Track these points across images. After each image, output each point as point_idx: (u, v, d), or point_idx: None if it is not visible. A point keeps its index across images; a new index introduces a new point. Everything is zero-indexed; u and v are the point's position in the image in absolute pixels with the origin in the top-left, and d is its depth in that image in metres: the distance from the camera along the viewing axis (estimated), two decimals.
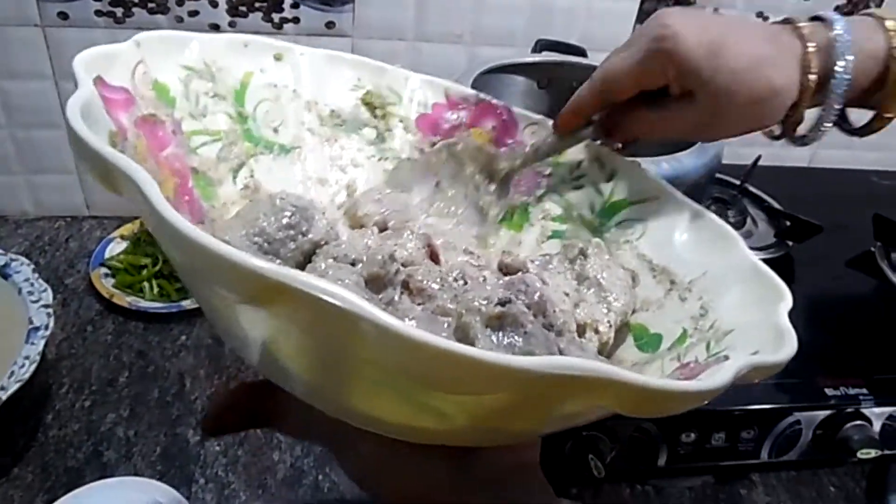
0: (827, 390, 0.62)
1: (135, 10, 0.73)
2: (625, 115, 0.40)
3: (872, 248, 0.79)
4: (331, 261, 0.32)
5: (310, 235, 0.34)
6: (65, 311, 0.73)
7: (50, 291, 0.65)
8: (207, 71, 0.38)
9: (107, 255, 0.78)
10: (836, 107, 0.36)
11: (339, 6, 0.77)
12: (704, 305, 0.35)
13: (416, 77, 0.45)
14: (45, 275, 0.75)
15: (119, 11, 0.73)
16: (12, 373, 0.57)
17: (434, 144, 0.45)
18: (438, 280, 0.34)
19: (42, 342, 0.60)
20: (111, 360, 0.69)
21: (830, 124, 0.38)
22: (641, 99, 0.39)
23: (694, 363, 0.31)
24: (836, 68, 0.35)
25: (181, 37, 0.37)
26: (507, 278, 0.35)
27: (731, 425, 0.60)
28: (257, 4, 0.75)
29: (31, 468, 0.58)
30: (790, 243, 0.78)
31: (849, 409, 0.61)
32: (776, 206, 0.84)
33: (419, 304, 0.33)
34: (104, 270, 0.76)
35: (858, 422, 0.61)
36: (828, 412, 0.61)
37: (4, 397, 0.55)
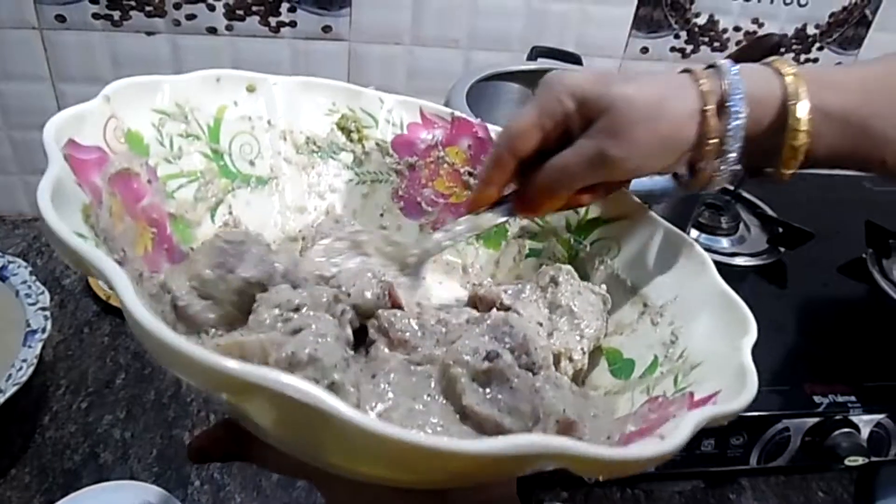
0: (816, 398, 0.62)
1: (132, 13, 0.73)
2: (535, 177, 0.38)
3: (864, 255, 0.79)
4: (275, 311, 0.31)
5: (238, 272, 0.32)
6: (62, 313, 0.74)
7: (47, 294, 0.65)
8: (180, 112, 0.38)
9: None
10: (734, 147, 0.35)
11: (336, 10, 0.77)
12: (675, 332, 0.36)
13: (391, 98, 0.46)
14: (43, 276, 0.75)
15: (116, 15, 0.73)
16: (9, 375, 0.58)
17: (412, 165, 0.46)
18: (417, 326, 0.34)
19: (39, 345, 0.60)
20: (108, 361, 0.69)
21: (728, 168, 0.36)
22: (546, 157, 0.38)
23: (662, 398, 0.32)
24: (729, 103, 0.35)
25: (152, 81, 0.37)
26: (490, 320, 0.34)
27: (720, 432, 0.60)
28: (254, 8, 0.75)
29: (28, 469, 0.59)
30: (782, 249, 0.79)
31: (837, 417, 0.62)
32: (769, 212, 0.84)
33: (403, 355, 0.33)
34: None
35: (846, 429, 0.61)
36: (816, 419, 0.62)
37: (2, 400, 0.55)
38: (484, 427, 0.30)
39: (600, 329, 0.38)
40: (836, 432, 0.61)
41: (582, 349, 0.37)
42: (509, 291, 0.39)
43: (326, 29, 0.78)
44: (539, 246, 0.45)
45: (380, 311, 0.35)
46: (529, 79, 0.67)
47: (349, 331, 0.33)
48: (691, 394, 0.30)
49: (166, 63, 0.76)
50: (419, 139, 0.46)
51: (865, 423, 0.63)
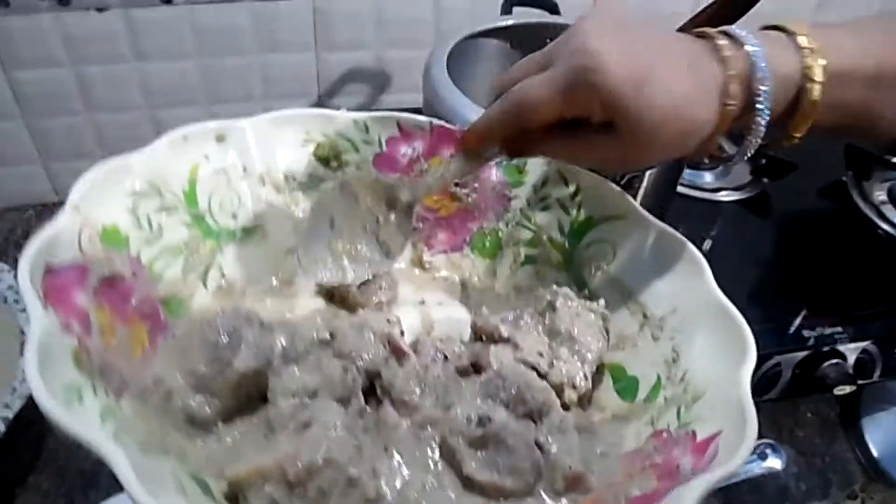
0: (804, 332, 0.65)
1: None
2: (537, 139, 0.37)
3: (844, 178, 0.80)
4: (293, 400, 0.31)
5: (235, 365, 0.32)
6: None
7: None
8: (153, 188, 0.37)
9: None
10: (761, 130, 0.35)
11: None
12: (676, 348, 0.37)
13: (364, 115, 0.44)
14: None
15: None
16: (14, 388, 0.57)
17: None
18: (418, 385, 0.34)
19: None
20: None
21: (754, 149, 0.37)
22: (557, 126, 0.36)
23: (666, 434, 0.33)
24: (757, 97, 0.34)
25: (120, 166, 0.35)
26: (483, 377, 0.35)
27: None
28: None
29: (44, 475, 0.60)
30: (766, 180, 0.80)
31: (825, 348, 0.64)
32: None
33: (407, 417, 0.34)
34: None
35: (835, 360, 0.64)
36: (806, 353, 0.64)
37: (11, 416, 0.55)
38: (488, 492, 0.31)
39: (602, 349, 0.39)
40: (825, 364, 0.64)
41: (584, 375, 0.37)
42: (509, 319, 0.39)
43: None
44: (534, 252, 0.45)
45: (382, 371, 0.35)
46: (506, 35, 0.65)
47: (361, 398, 0.34)
48: (694, 433, 0.31)
49: (121, 39, 0.72)
50: (400, 154, 0.44)
51: (852, 350, 0.65)
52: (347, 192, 0.40)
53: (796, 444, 0.69)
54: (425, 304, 0.44)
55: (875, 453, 0.69)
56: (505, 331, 0.38)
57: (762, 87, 0.34)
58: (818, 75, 0.35)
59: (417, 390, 0.34)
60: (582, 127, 0.36)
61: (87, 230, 0.32)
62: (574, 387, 0.37)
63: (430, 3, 0.79)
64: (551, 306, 0.39)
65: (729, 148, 0.38)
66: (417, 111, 0.59)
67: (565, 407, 0.36)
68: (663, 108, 0.33)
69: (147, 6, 0.71)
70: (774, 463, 0.63)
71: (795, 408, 0.72)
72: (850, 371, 0.65)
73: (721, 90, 0.34)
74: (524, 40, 0.65)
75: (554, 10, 0.67)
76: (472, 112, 0.52)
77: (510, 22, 0.63)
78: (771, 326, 0.65)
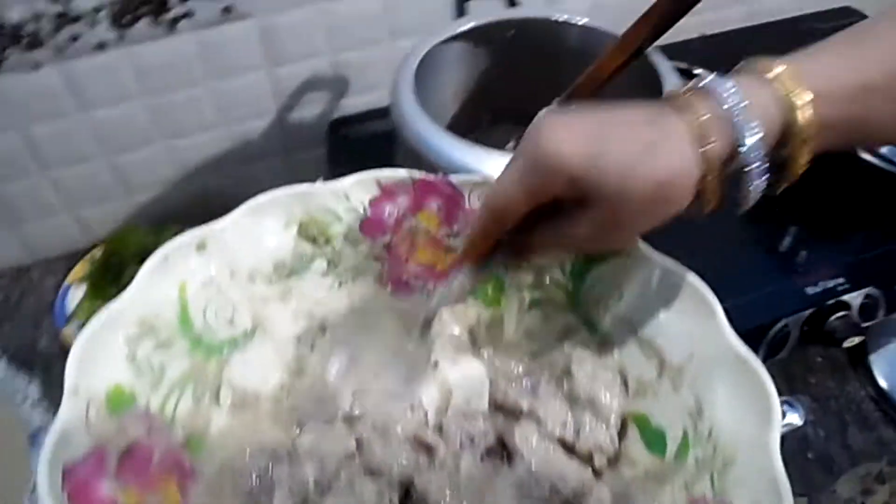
0: (808, 290, 0.64)
1: (8, 51, 0.64)
2: (527, 234, 0.38)
3: None
4: None
5: None
6: (48, 378, 0.70)
7: (35, 385, 0.62)
8: (145, 326, 0.35)
9: (70, 308, 0.75)
10: (758, 162, 0.33)
11: None
12: (698, 399, 0.36)
13: (342, 183, 0.42)
14: (14, 343, 0.72)
15: None
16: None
17: (387, 245, 0.43)
18: (451, 489, 0.33)
19: None
20: None
21: (762, 185, 0.34)
22: (538, 216, 0.36)
23: (703, 502, 0.33)
24: (741, 133, 0.32)
25: (106, 321, 0.34)
26: (514, 476, 0.34)
27: None
28: (142, 9, 0.66)
29: None
30: None
31: (830, 302, 0.64)
32: None
33: None
34: (75, 325, 0.73)
35: (841, 312, 0.64)
36: (811, 310, 0.64)
37: None
38: None
39: (623, 404, 0.38)
40: (832, 317, 0.64)
41: (610, 436, 0.37)
42: (527, 388, 0.38)
43: (227, 10, 0.69)
44: (538, 295, 0.43)
45: (415, 478, 0.34)
46: (467, 37, 0.61)
47: None
48: None
49: (63, 95, 0.68)
50: (385, 214, 0.43)
51: (855, 298, 0.65)
52: (364, 320, 0.41)
53: (809, 391, 0.71)
54: (438, 366, 0.43)
55: (885, 387, 0.70)
56: (525, 404, 0.38)
57: (741, 122, 0.32)
58: (805, 113, 0.33)
59: (452, 496, 0.34)
60: (562, 210, 0.35)
61: (92, 406, 0.31)
62: (602, 451, 0.37)
63: (379, 1, 0.75)
64: (567, 372, 0.39)
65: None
66: (383, 111, 0.57)
67: (597, 472, 0.36)
68: (624, 168, 0.32)
69: (81, 56, 0.67)
70: (793, 419, 0.64)
71: (805, 355, 0.72)
72: (857, 318, 0.65)
73: (693, 134, 0.33)
74: (486, 38, 0.62)
75: (511, 3, 0.63)
76: (443, 141, 0.50)
77: (469, 26, 0.60)
78: (773, 290, 0.65)
